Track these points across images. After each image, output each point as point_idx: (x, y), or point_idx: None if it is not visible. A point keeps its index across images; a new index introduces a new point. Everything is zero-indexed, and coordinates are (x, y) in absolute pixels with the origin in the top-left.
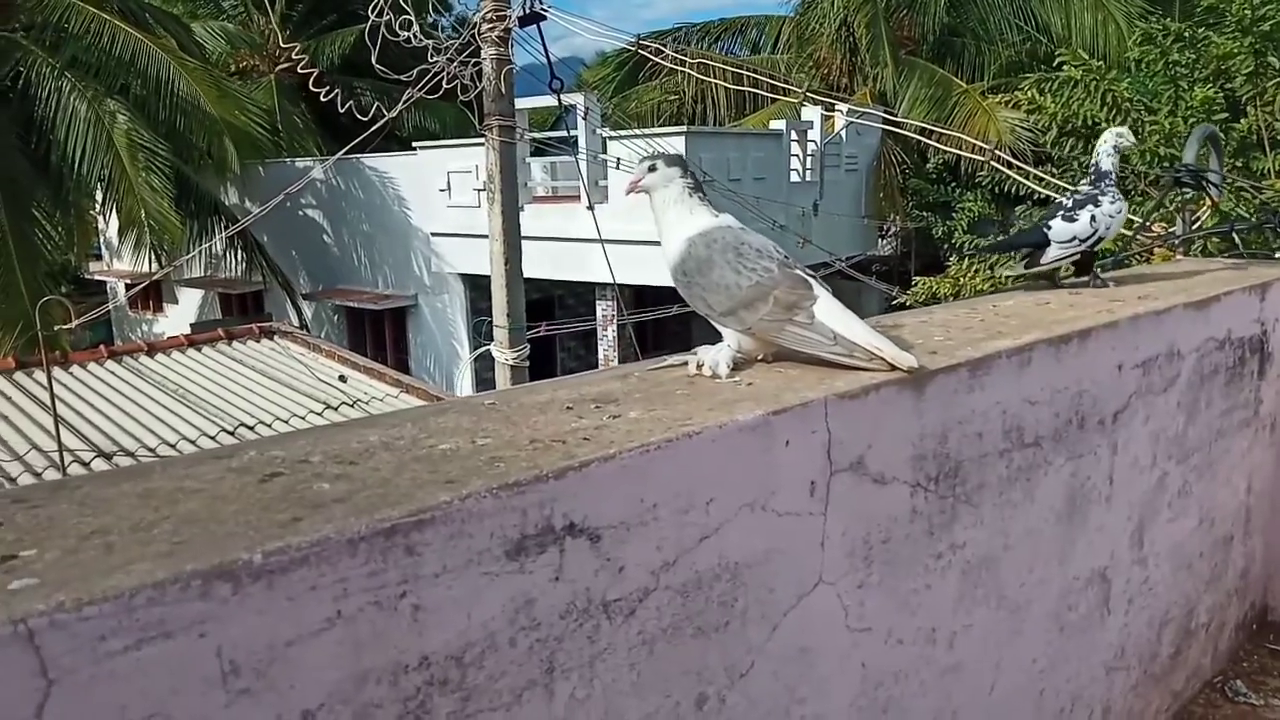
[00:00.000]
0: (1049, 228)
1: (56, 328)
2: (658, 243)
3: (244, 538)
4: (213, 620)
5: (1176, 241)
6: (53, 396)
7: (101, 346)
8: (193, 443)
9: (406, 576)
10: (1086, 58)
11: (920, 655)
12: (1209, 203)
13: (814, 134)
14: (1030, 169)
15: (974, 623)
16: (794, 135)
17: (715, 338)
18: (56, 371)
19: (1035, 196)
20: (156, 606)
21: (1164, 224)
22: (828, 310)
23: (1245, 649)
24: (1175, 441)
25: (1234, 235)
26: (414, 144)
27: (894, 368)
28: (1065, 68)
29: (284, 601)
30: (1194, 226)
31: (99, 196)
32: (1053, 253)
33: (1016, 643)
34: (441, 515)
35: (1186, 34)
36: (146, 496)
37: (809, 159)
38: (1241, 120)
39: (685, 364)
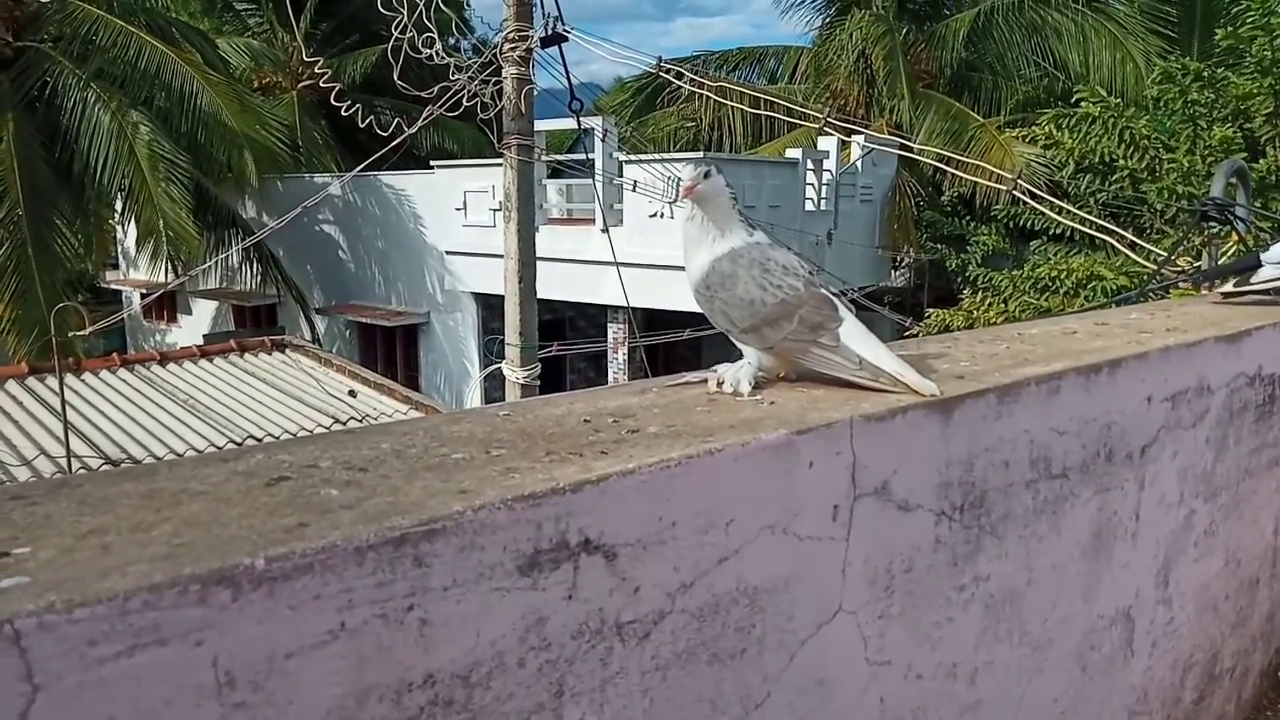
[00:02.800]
0: (1264, 249)
1: (70, 334)
2: (671, 267)
3: (246, 542)
4: (210, 628)
5: (1202, 277)
6: (63, 402)
7: (114, 355)
8: (200, 453)
9: (414, 589)
10: (1105, 95)
11: (940, 691)
12: (1235, 238)
13: (830, 163)
14: (1055, 201)
15: (995, 659)
16: (810, 164)
17: (726, 360)
18: (69, 378)
19: (1050, 231)
20: (151, 611)
21: (1189, 259)
22: (853, 333)
23: (1269, 697)
24: (1203, 479)
25: None
26: (431, 163)
27: (917, 394)
28: (1083, 104)
29: (285, 611)
30: (1219, 262)
31: (119, 206)
32: (1265, 272)
33: (1038, 682)
34: (453, 526)
35: (1205, 74)
36: (149, 497)
37: (824, 188)
38: (1260, 161)
39: (704, 381)
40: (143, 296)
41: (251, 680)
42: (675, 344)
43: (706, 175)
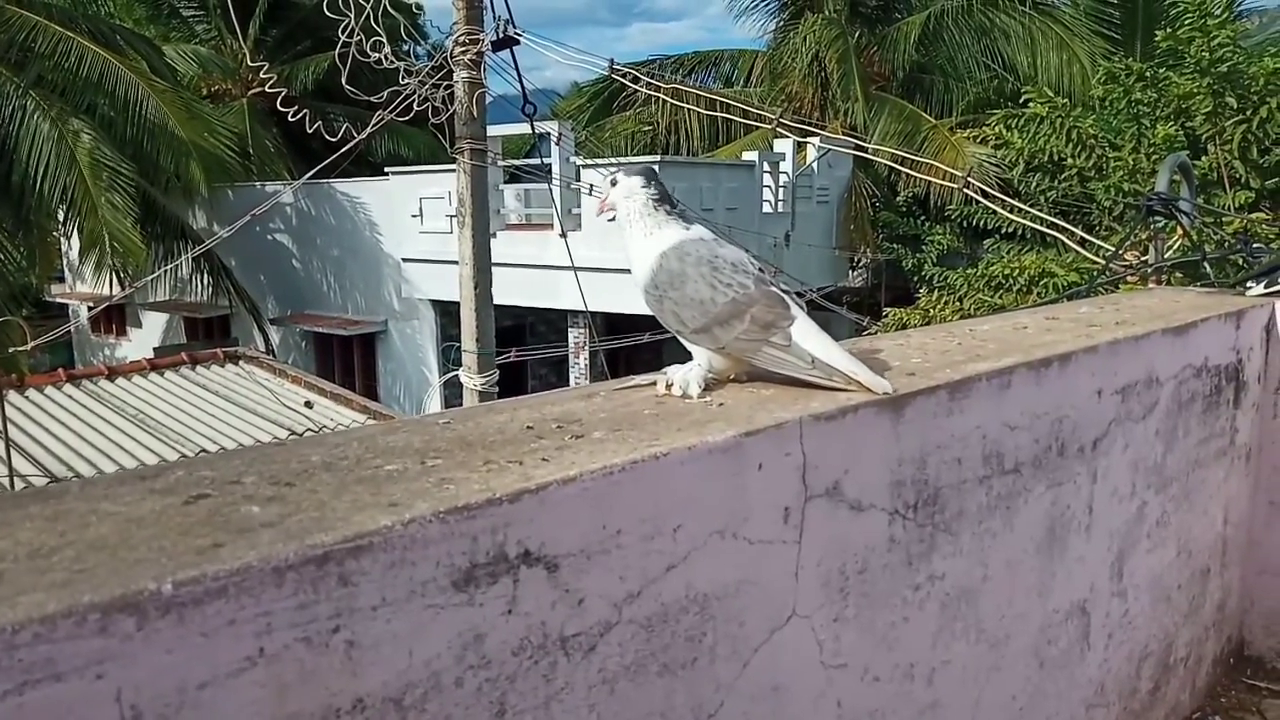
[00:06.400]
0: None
1: (12, 350)
2: (631, 271)
3: (155, 565)
4: (112, 660)
5: (1149, 270)
6: (4, 419)
7: (60, 370)
8: (118, 470)
9: (340, 609)
10: (1052, 95)
11: (898, 693)
12: (1180, 232)
13: (786, 165)
14: (1006, 199)
15: (952, 658)
16: (766, 166)
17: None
18: (12, 395)
19: (1003, 230)
20: (44, 644)
21: (1136, 253)
22: (805, 331)
23: (1223, 684)
24: (1154, 470)
25: (1205, 265)
26: (386, 170)
27: (870, 392)
28: (1031, 105)
29: (197, 638)
30: (1166, 255)
31: (61, 216)
32: None
33: (995, 679)
34: (381, 541)
35: (1148, 74)
36: (54, 520)
37: (781, 190)
38: (1202, 158)
39: (654, 384)
40: (90, 310)
41: (161, 714)
42: (637, 347)
43: (614, 183)
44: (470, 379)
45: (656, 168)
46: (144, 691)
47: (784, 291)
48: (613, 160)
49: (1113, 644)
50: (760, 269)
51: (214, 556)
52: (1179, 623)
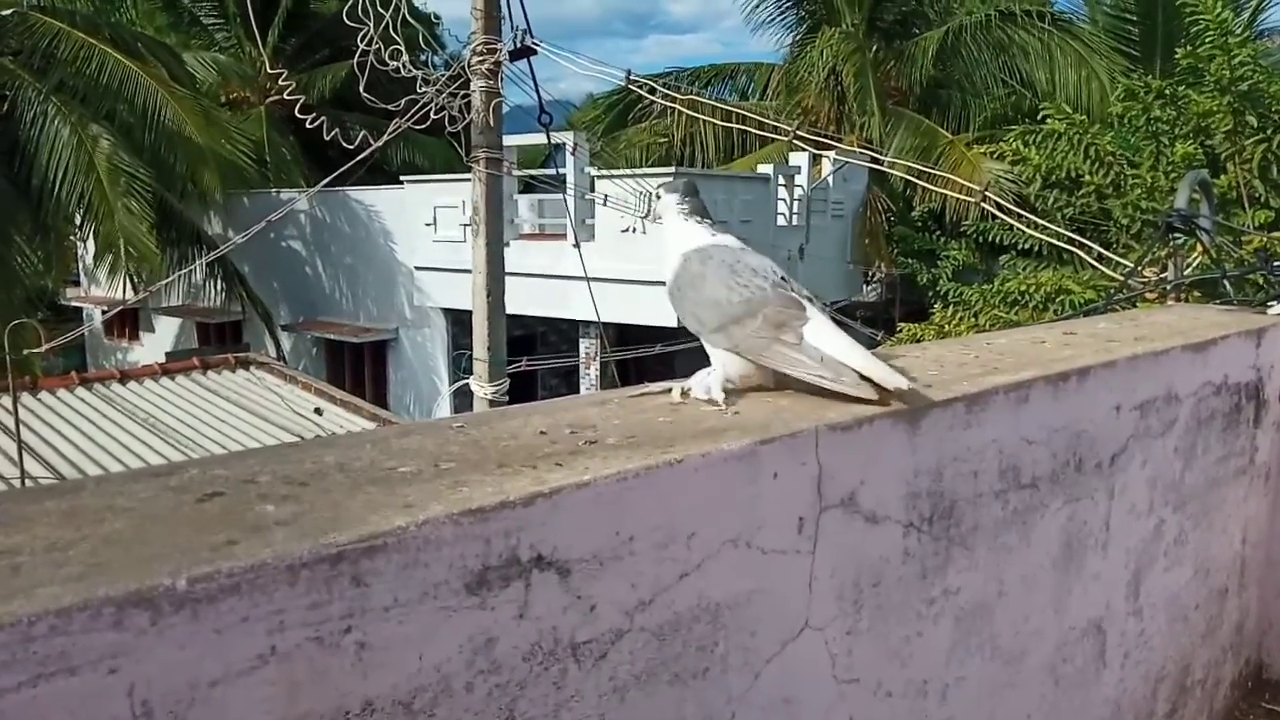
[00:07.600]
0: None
1: (26, 352)
2: (643, 282)
3: (169, 561)
4: (125, 654)
5: (1168, 287)
6: (17, 421)
7: (73, 373)
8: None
9: (352, 610)
10: (1070, 112)
11: (911, 709)
12: (1200, 249)
13: (801, 179)
14: (1023, 213)
15: (967, 675)
16: (781, 179)
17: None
18: (25, 397)
19: (1019, 246)
20: (59, 637)
21: (1154, 270)
22: (818, 332)
23: (1240, 708)
24: (1172, 488)
25: (1224, 283)
26: (401, 178)
27: (883, 390)
28: (1049, 121)
29: (210, 634)
30: (1185, 272)
31: (78, 220)
32: None
33: (1010, 697)
34: (395, 542)
35: (1167, 91)
36: (70, 515)
37: (796, 203)
38: (1221, 177)
39: (669, 391)
40: (104, 314)
41: (172, 710)
42: (647, 358)
43: (658, 196)
44: (481, 388)
45: (696, 182)
46: (156, 686)
47: (804, 296)
48: (628, 171)
49: (1129, 664)
50: (782, 276)
51: (228, 553)
52: (1196, 644)
